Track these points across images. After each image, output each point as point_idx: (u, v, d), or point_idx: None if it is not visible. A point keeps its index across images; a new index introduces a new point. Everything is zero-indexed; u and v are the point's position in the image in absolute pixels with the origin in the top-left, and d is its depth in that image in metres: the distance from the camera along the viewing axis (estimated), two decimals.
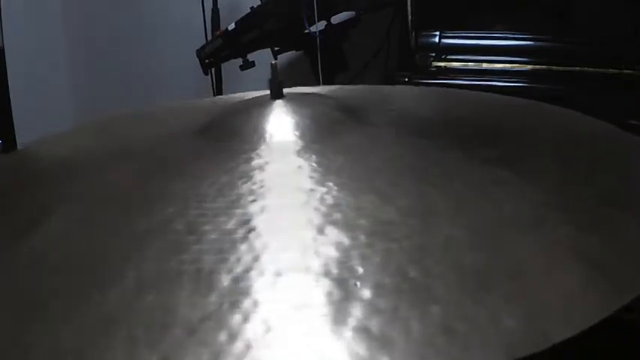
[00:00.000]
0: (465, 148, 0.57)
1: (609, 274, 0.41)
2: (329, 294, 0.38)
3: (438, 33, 1.44)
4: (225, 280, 0.40)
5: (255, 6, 1.49)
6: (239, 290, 0.39)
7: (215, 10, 1.71)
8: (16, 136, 1.55)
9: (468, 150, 0.56)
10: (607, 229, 0.46)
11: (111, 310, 0.39)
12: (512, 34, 1.41)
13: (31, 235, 0.49)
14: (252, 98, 0.64)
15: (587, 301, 0.39)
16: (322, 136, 0.56)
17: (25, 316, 0.40)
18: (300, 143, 0.55)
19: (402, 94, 0.84)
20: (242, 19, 1.49)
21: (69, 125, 1.83)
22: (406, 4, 1.45)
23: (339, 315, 0.36)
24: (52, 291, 0.42)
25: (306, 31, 1.38)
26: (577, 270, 0.41)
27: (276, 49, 1.52)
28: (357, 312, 0.37)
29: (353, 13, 1.54)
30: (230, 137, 0.57)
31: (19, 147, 1.52)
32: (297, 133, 0.56)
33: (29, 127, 1.59)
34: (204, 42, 1.61)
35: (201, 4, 1.75)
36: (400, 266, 0.40)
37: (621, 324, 0.41)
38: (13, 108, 1.56)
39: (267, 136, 0.56)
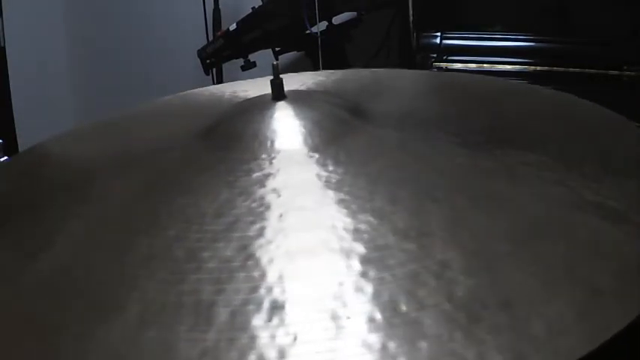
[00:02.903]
0: (467, 153, 0.56)
1: (604, 299, 0.41)
2: (323, 329, 0.39)
3: (439, 34, 1.44)
4: (223, 314, 0.40)
5: (256, 6, 1.49)
6: (236, 325, 0.39)
7: (216, 11, 1.71)
8: (17, 136, 1.55)
9: (470, 155, 0.56)
10: (606, 248, 0.45)
11: (115, 347, 0.39)
12: (513, 34, 1.41)
13: (36, 260, 0.49)
14: (254, 99, 0.64)
15: (579, 329, 0.39)
16: (324, 141, 0.56)
17: (31, 351, 0.40)
18: (301, 151, 0.55)
19: (408, 83, 0.82)
20: (243, 19, 1.49)
21: (69, 125, 1.83)
22: (407, 4, 1.45)
23: (332, 352, 0.37)
24: (58, 323, 0.42)
25: (308, 31, 1.38)
26: (571, 294, 0.41)
27: (277, 49, 1.52)
28: (348, 349, 0.37)
29: (354, 13, 1.54)
30: (230, 145, 0.57)
31: (19, 147, 1.53)
32: (299, 139, 0.56)
33: (29, 126, 1.59)
34: (205, 42, 1.61)
35: (202, 5, 1.75)
36: (392, 298, 0.41)
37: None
38: (13, 107, 1.56)
39: (268, 143, 0.56)
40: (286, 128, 0.57)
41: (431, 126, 0.62)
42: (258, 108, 0.60)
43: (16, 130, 1.55)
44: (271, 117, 0.58)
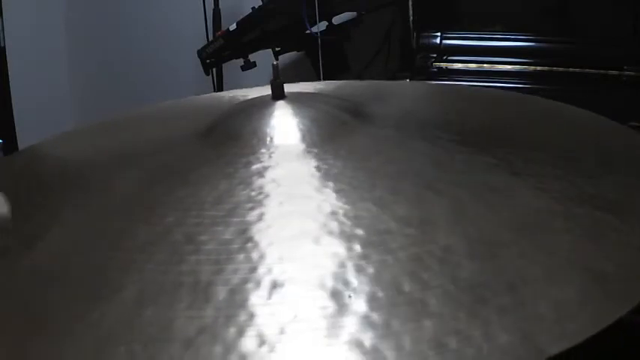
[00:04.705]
0: (467, 151, 0.57)
1: (608, 284, 0.41)
2: (323, 307, 0.38)
3: (439, 34, 1.44)
4: (221, 293, 0.40)
5: (256, 6, 1.49)
6: (235, 303, 0.39)
7: (216, 11, 1.71)
8: (17, 136, 1.56)
9: (470, 152, 0.56)
10: (608, 237, 0.45)
11: (111, 326, 0.39)
12: (513, 34, 1.42)
13: (34, 246, 0.49)
14: (254, 98, 0.64)
15: (584, 313, 0.39)
16: (323, 138, 0.56)
17: (27, 332, 0.40)
18: (300, 147, 0.55)
19: (407, 91, 0.84)
20: (243, 19, 1.49)
21: (69, 125, 1.84)
22: (407, 4, 1.45)
23: (332, 329, 0.37)
24: (54, 306, 0.42)
25: (307, 31, 1.38)
26: (575, 280, 0.41)
27: (277, 49, 1.52)
28: (350, 326, 0.37)
29: (354, 13, 1.55)
30: (230, 141, 0.57)
31: (19, 147, 1.53)
32: (297, 136, 0.56)
33: (29, 126, 1.60)
34: (205, 42, 1.61)
35: (202, 5, 1.75)
36: (395, 279, 0.41)
37: (629, 326, 0.41)
38: (13, 107, 1.56)
39: (268, 139, 0.56)
40: (285, 125, 0.57)
41: (431, 127, 0.62)
42: (258, 107, 0.60)
43: (16, 130, 1.55)
44: (270, 115, 0.58)
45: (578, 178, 0.52)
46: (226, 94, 0.82)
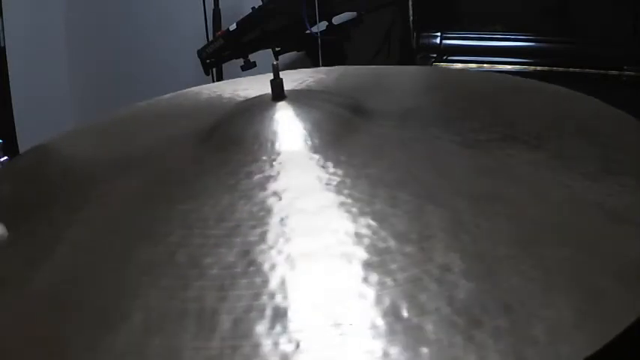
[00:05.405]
0: (469, 154, 0.56)
1: (605, 300, 0.41)
2: (325, 337, 0.39)
3: (439, 34, 1.44)
4: (226, 322, 0.40)
5: (256, 6, 1.49)
6: (240, 333, 0.40)
7: (216, 11, 1.71)
8: (17, 136, 1.55)
9: (472, 155, 0.56)
10: (606, 249, 0.45)
11: (121, 356, 0.39)
12: (513, 34, 1.42)
13: (38, 270, 0.49)
14: (254, 99, 0.64)
15: (579, 334, 0.39)
16: (324, 143, 0.56)
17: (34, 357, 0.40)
18: (301, 152, 0.55)
19: (409, 79, 0.82)
20: (243, 19, 1.49)
21: (69, 125, 1.83)
22: (407, 4, 1.45)
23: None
24: (63, 336, 0.42)
25: (307, 31, 1.38)
26: (572, 297, 0.41)
27: (277, 49, 1.52)
28: (351, 356, 0.38)
29: (354, 13, 1.54)
30: (232, 146, 0.57)
31: (19, 146, 1.53)
32: (298, 141, 0.56)
33: (29, 126, 1.60)
34: (205, 42, 1.61)
35: (202, 5, 1.75)
36: (393, 303, 0.41)
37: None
38: (13, 107, 1.56)
39: (269, 144, 0.56)
40: (287, 129, 0.57)
41: (432, 124, 0.62)
42: (259, 109, 0.60)
43: (16, 130, 1.55)
44: (271, 118, 0.58)
45: (579, 183, 0.52)
46: (226, 87, 0.80)
